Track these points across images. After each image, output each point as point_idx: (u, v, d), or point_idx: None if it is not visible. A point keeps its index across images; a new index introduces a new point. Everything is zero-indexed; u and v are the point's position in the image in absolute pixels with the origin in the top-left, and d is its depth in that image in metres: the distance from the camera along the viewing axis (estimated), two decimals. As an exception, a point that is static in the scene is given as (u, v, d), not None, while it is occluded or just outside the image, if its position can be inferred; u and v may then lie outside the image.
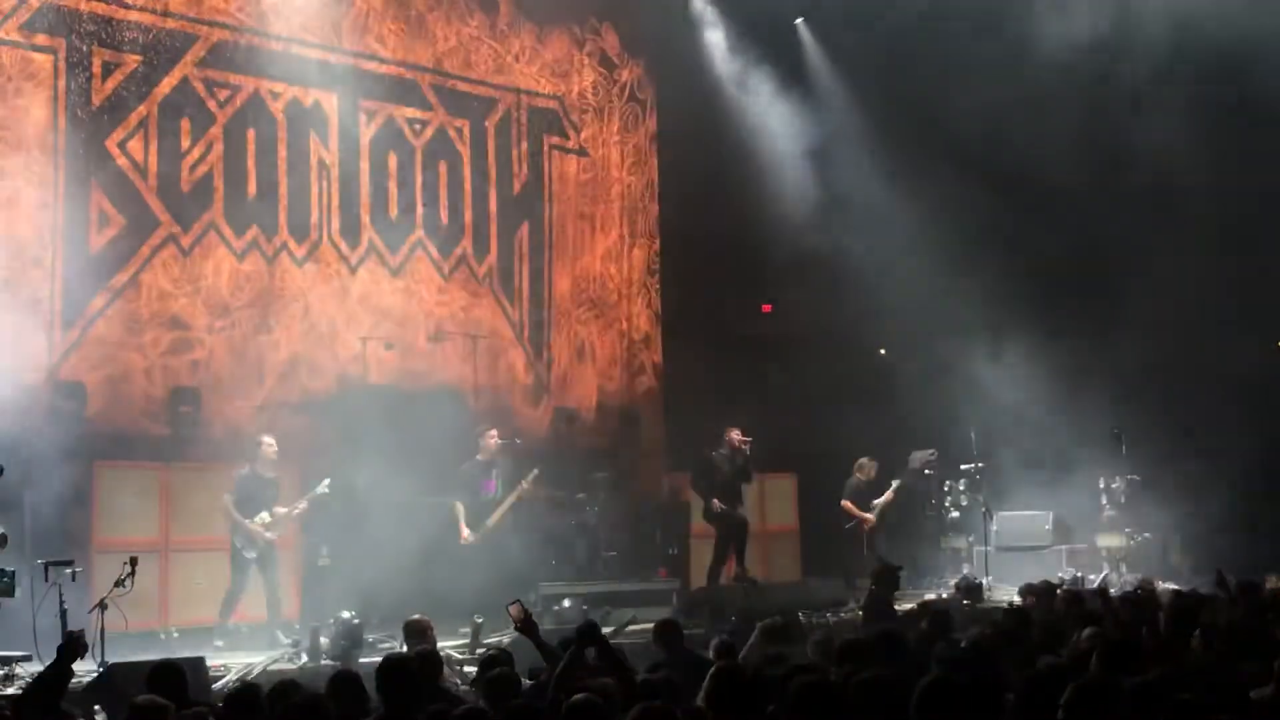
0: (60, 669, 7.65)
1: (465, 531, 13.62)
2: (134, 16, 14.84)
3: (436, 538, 14.12)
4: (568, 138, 18.49)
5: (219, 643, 12.51)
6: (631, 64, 19.12)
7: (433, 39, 17.15)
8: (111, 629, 10.73)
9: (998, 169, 17.06)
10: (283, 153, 15.89)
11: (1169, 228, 16.84)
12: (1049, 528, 17.36)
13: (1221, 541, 15.43)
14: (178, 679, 7.64)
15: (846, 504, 16.66)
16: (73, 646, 7.76)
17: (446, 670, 9.23)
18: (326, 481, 13.43)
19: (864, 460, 16.81)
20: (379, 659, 9.97)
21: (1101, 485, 17.08)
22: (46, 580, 11.44)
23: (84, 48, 14.43)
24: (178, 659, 9.00)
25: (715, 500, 15.24)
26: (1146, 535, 16.89)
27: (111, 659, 10.34)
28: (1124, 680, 6.21)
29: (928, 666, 7.59)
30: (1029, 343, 17.25)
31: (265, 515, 12.87)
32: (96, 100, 14.55)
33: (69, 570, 11.50)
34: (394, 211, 16.77)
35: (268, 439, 13.25)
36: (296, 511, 13.11)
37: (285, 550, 13.98)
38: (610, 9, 18.74)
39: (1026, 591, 13.06)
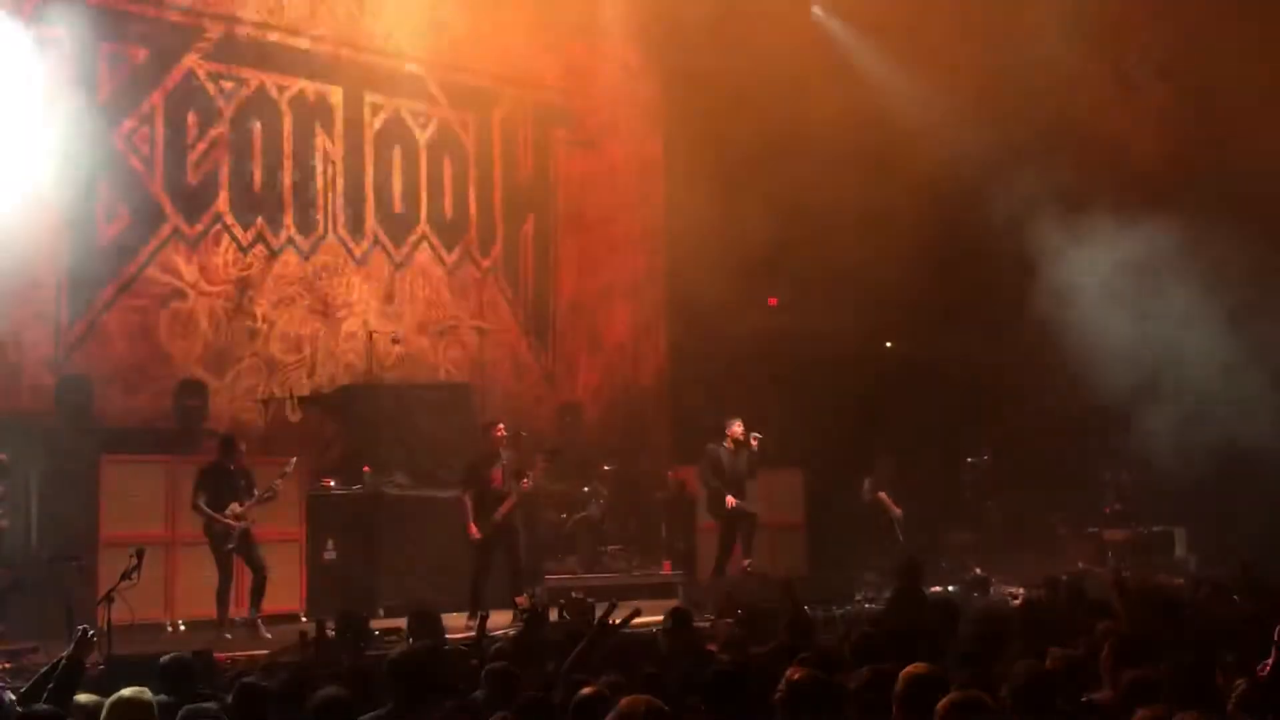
0: (71, 666, 7.64)
1: (473, 528, 13.57)
2: (141, 9, 14.82)
3: (442, 530, 14.12)
4: (576, 132, 18.45)
5: (228, 635, 12.51)
6: (647, 80, 19.02)
7: (441, 32, 17.10)
8: (118, 622, 10.72)
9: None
10: (288, 146, 15.90)
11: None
12: (1055, 521, 17.35)
13: (1229, 536, 15.40)
14: (185, 674, 7.65)
15: (882, 495, 16.70)
16: (83, 645, 7.75)
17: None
18: (293, 461, 13.40)
19: (884, 456, 16.87)
20: (385, 652, 9.99)
21: (1108, 478, 17.06)
22: (53, 573, 11.46)
23: (91, 40, 14.41)
24: (185, 653, 8.99)
25: (729, 497, 15.16)
26: (1153, 529, 16.88)
27: (118, 652, 10.34)
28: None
29: (937, 661, 7.59)
30: (1034, 331, 17.18)
31: (235, 506, 12.85)
32: (103, 93, 14.55)
33: (75, 564, 11.51)
34: (399, 205, 16.77)
35: (242, 446, 13.23)
36: (267, 497, 13.07)
37: (292, 544, 13.98)
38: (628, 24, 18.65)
39: (1033, 585, 13.09)
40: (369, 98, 16.53)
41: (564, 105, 18.35)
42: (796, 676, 5.97)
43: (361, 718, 6.76)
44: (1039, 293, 16.86)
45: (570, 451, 16.42)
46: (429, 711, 6.77)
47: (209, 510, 12.78)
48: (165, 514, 13.55)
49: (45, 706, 6.76)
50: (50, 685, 7.40)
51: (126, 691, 6.61)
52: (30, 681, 7.76)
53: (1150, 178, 16.32)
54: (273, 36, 15.74)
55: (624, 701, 5.64)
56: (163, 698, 6.89)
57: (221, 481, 12.91)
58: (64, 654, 7.68)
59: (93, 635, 7.93)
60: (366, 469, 14.69)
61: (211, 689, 7.82)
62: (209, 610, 12.86)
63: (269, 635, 12.44)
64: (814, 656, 7.19)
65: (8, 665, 10.42)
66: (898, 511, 16.63)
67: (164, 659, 7.91)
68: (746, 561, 15.25)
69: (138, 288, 14.73)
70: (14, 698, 7.25)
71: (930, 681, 5.71)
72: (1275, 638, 6.44)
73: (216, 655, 10.59)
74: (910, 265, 17.52)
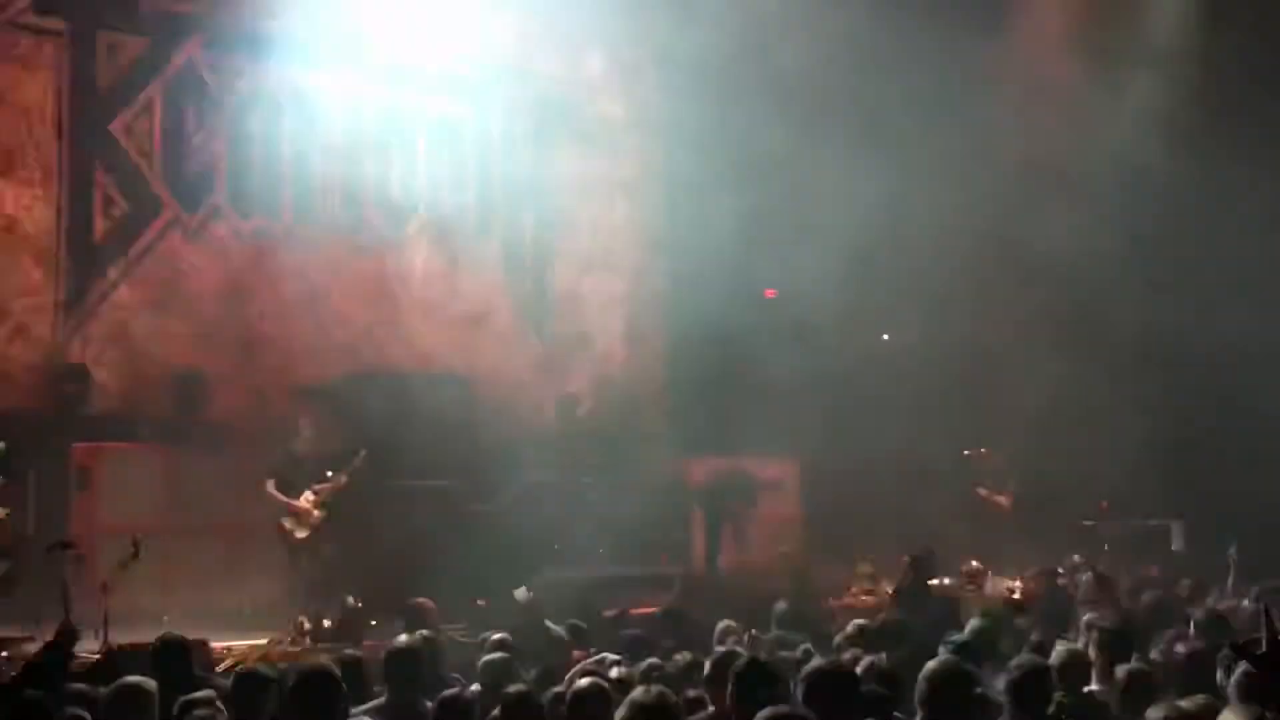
0: (55, 653, 7.64)
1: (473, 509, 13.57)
2: (141, -1, 14.82)
3: (438, 521, 14.12)
4: (576, 121, 18.39)
5: (307, 624, 12.29)
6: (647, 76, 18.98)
7: (443, 21, 17.03)
8: (115, 611, 10.72)
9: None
10: (287, 135, 15.86)
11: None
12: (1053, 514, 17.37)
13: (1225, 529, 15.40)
14: (181, 654, 7.65)
15: (982, 490, 16.68)
16: (65, 632, 7.75)
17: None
18: (362, 453, 13.38)
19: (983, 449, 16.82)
20: (380, 642, 10.00)
21: (1102, 472, 17.05)
22: (50, 562, 11.45)
23: (90, 30, 14.40)
24: (179, 634, 8.96)
25: None
26: (1149, 522, 16.91)
27: (115, 641, 10.34)
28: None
29: (935, 653, 7.62)
30: (1034, 324, 17.20)
31: (309, 494, 12.83)
32: (102, 82, 14.53)
33: (71, 551, 11.50)
34: (398, 194, 16.75)
35: (310, 433, 13.19)
36: (338, 486, 13.05)
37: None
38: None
39: (1029, 577, 13.10)
40: (368, 89, 16.49)
41: (565, 94, 18.28)
42: (816, 667, 6.02)
43: (356, 709, 6.78)
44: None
45: (567, 442, 16.44)
46: (423, 703, 6.79)
47: (280, 496, 12.74)
48: (163, 503, 13.56)
49: (37, 693, 6.76)
50: (37, 672, 7.42)
51: (130, 679, 6.62)
52: (19, 670, 7.77)
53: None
54: (272, 28, 15.68)
55: (636, 692, 5.72)
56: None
57: (293, 468, 12.91)
58: (47, 640, 7.71)
59: (78, 627, 7.92)
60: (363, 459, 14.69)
61: (209, 677, 7.84)
62: (207, 601, 12.86)
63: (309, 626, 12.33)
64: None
65: (3, 654, 10.43)
66: (1004, 501, 16.53)
67: (158, 639, 7.91)
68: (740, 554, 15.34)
69: (136, 277, 14.73)
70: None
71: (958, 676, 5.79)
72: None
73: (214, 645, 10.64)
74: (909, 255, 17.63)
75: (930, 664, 5.93)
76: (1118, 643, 7.04)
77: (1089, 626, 7.62)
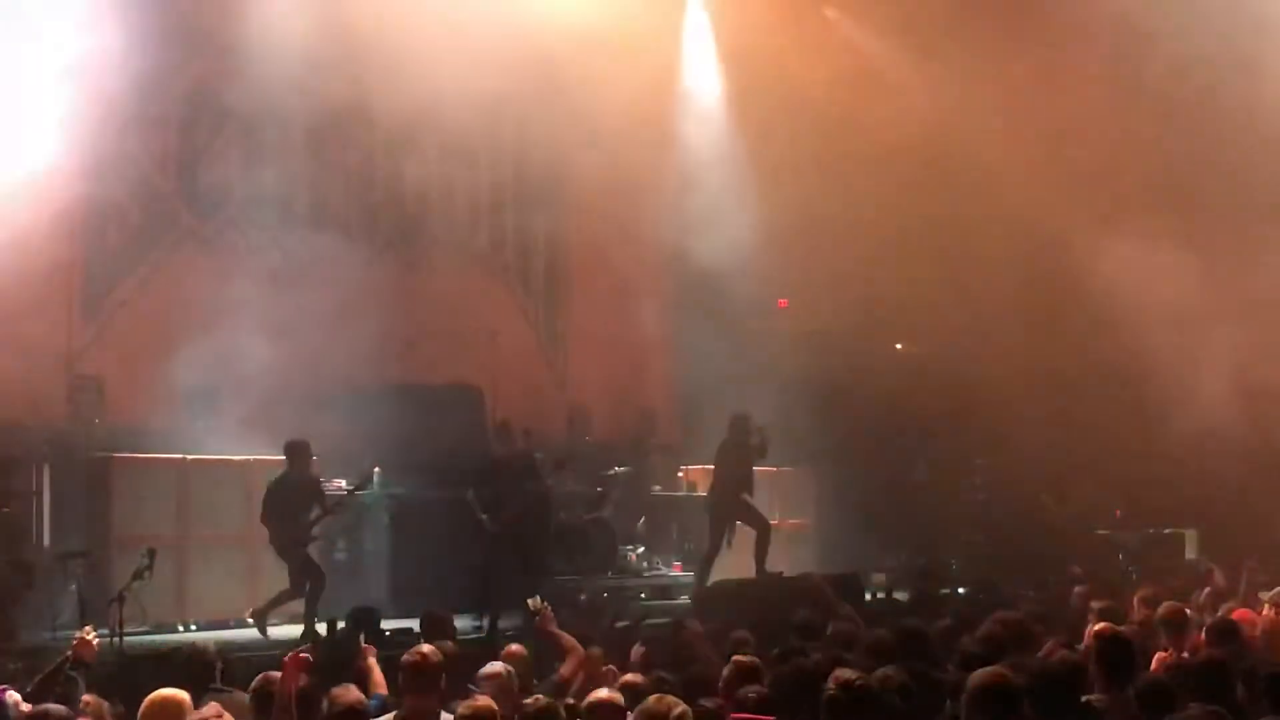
0: (73, 665, 7.67)
1: (485, 519, 13.58)
2: (158, 12, 14.81)
3: (452, 531, 14.14)
4: (589, 132, 18.35)
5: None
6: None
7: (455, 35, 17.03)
8: (130, 622, 10.76)
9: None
10: (302, 149, 15.87)
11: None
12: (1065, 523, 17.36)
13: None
14: (206, 664, 7.70)
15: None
16: (83, 646, 7.78)
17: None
18: (376, 472, 13.35)
19: None
20: (396, 652, 10.01)
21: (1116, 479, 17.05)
22: (64, 573, 11.50)
23: (105, 40, 14.41)
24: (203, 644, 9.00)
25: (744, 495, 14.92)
26: (1164, 530, 16.90)
27: (129, 652, 10.38)
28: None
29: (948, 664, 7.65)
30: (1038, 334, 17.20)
31: (302, 520, 12.77)
32: (116, 92, 14.53)
33: (84, 560, 11.55)
34: (411, 207, 16.77)
35: (311, 453, 13.04)
36: (337, 508, 13.00)
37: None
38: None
39: (1040, 587, 13.06)
40: (382, 100, 16.48)
41: (577, 108, 18.23)
42: (842, 679, 6.03)
43: None
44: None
45: (581, 452, 16.45)
46: (441, 712, 6.83)
47: (270, 519, 12.65)
48: (177, 514, 13.56)
49: (54, 705, 6.80)
50: (55, 684, 7.46)
51: (163, 692, 6.65)
52: (35, 680, 7.81)
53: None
54: (287, 43, 15.65)
55: (651, 700, 5.75)
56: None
57: (288, 493, 12.76)
58: (66, 653, 7.74)
59: (94, 637, 7.95)
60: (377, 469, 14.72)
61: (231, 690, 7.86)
62: (221, 612, 12.88)
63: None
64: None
65: (20, 664, 10.47)
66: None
67: (183, 649, 7.94)
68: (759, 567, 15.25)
69: (150, 288, 14.75)
70: (18, 698, 7.29)
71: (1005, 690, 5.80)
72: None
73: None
74: (914, 265, 17.63)
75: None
76: (1118, 652, 6.99)
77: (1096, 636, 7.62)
